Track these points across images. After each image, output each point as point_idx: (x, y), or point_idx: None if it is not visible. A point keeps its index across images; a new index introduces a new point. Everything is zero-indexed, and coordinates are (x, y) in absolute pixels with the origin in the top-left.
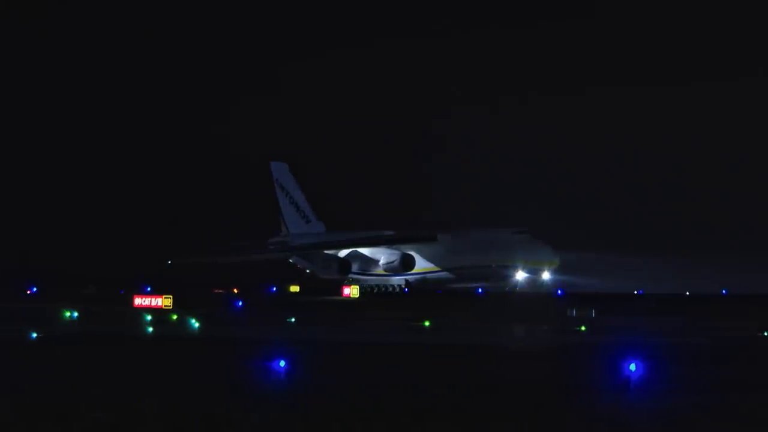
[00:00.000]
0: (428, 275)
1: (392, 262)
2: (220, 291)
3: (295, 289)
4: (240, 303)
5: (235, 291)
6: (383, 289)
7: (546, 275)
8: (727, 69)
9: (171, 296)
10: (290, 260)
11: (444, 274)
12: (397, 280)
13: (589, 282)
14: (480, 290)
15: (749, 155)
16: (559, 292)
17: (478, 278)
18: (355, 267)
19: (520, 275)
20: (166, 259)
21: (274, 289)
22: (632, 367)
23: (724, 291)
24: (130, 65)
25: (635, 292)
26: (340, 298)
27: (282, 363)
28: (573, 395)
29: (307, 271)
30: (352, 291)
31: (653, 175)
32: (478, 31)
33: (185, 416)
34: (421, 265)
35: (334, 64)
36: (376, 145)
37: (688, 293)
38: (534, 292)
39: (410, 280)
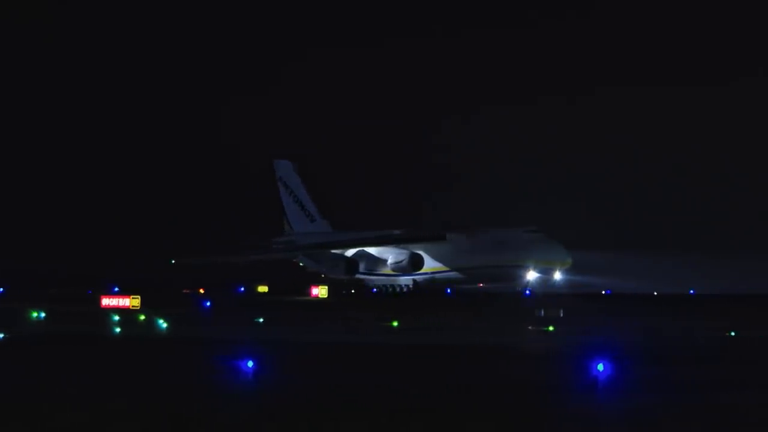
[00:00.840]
0: (437, 275)
1: (400, 261)
2: (188, 291)
3: (263, 289)
4: (208, 303)
5: (202, 291)
6: (390, 289)
7: (558, 275)
8: (729, 69)
9: (139, 296)
10: (295, 260)
11: (453, 274)
12: (405, 280)
13: (603, 282)
14: (448, 290)
15: (751, 155)
16: (527, 292)
17: (488, 278)
18: (362, 267)
19: (532, 275)
20: (169, 259)
21: (242, 289)
22: (600, 367)
23: (692, 291)
24: (131, 65)
25: (603, 292)
26: (308, 298)
27: (250, 363)
28: (540, 395)
29: (308, 270)
30: (320, 291)
31: (654, 175)
32: (478, 31)
33: (154, 416)
34: (430, 264)
35: (335, 64)
36: (379, 145)
37: (655, 293)
38: (504, 293)
39: (418, 280)
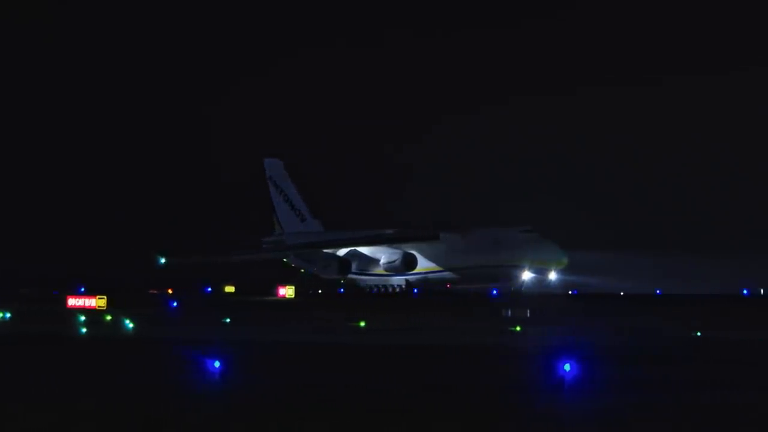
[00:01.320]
0: (430, 275)
1: (393, 261)
2: (155, 291)
3: (230, 289)
4: (175, 303)
5: (170, 291)
6: (382, 289)
7: (553, 275)
8: (730, 69)
9: (105, 297)
10: (285, 260)
11: (447, 274)
12: (398, 280)
13: (598, 282)
14: (415, 290)
15: (751, 155)
16: (494, 292)
17: (482, 278)
18: (354, 266)
19: (527, 275)
20: (158, 258)
21: (209, 289)
22: (567, 367)
23: (658, 291)
24: (129, 65)
25: (569, 292)
26: (275, 298)
27: (217, 363)
28: (506, 395)
29: (302, 270)
30: (287, 291)
31: (652, 175)
32: (477, 32)
33: (121, 416)
34: (423, 264)
35: (329, 63)
36: (372, 145)
37: (622, 293)
38: (538, 292)
39: (411, 280)
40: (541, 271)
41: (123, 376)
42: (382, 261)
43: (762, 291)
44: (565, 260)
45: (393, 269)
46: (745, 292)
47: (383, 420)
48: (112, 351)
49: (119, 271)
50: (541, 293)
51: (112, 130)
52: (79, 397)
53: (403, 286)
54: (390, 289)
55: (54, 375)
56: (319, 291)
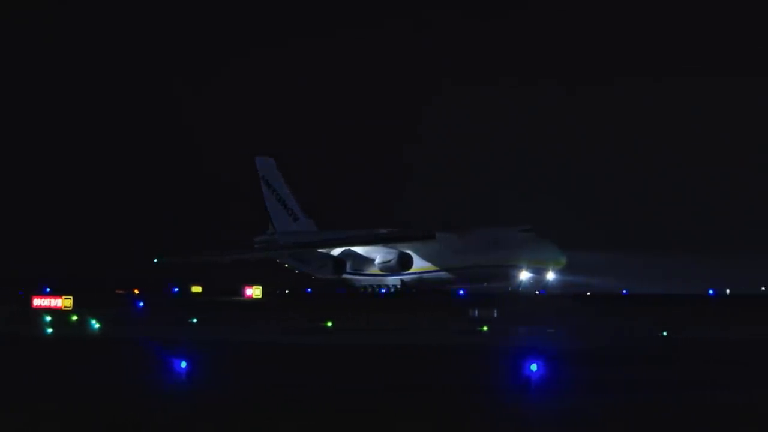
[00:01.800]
0: (425, 275)
1: (389, 261)
2: (122, 291)
3: (197, 289)
4: (141, 303)
5: (136, 291)
6: (377, 289)
7: (551, 275)
8: (729, 65)
9: (71, 297)
10: (279, 260)
11: (443, 274)
12: (393, 280)
13: (597, 282)
14: (383, 290)
15: (749, 155)
16: (461, 292)
17: (479, 278)
18: (348, 266)
19: (525, 275)
20: (153, 258)
21: (176, 289)
22: (533, 367)
23: (625, 291)
24: (128, 64)
25: (537, 293)
26: (242, 299)
27: (184, 363)
28: (473, 395)
29: (296, 271)
30: (254, 292)
31: (652, 175)
32: (477, 30)
33: (88, 417)
34: (419, 264)
35: (331, 62)
36: (368, 144)
37: (589, 293)
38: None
39: (406, 280)
40: (538, 271)
41: (89, 377)
42: (378, 261)
43: (728, 291)
44: (563, 260)
45: (388, 269)
46: (711, 292)
47: (352, 420)
48: (78, 351)
49: (113, 271)
50: (479, 293)
51: (110, 130)
52: (44, 397)
53: (398, 286)
54: (363, 290)
55: (19, 376)
56: (286, 291)
